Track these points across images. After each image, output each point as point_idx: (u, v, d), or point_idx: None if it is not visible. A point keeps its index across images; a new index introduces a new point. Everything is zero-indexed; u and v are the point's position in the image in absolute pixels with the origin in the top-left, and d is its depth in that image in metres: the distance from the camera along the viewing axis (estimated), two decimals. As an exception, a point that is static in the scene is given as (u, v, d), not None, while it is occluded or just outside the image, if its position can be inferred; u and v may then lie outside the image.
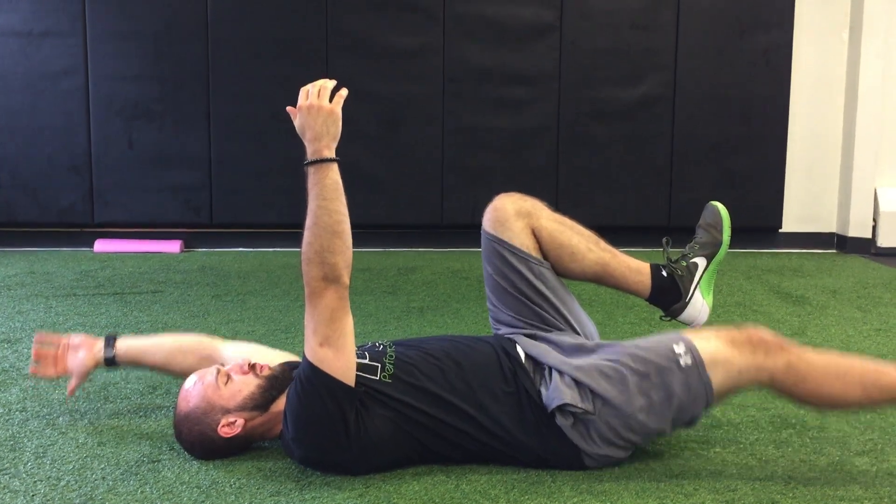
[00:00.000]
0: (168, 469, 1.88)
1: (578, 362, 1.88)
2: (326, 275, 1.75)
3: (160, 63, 5.19)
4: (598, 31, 5.31)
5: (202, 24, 5.17)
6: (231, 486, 1.80)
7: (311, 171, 1.79)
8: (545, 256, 2.09)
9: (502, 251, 2.05)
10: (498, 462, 1.89)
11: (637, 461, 1.94)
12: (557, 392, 1.83)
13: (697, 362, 1.83)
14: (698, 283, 2.13)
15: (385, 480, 1.82)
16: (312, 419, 1.79)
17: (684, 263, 2.16)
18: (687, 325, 2.15)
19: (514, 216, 2.06)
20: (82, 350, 2.18)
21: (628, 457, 1.92)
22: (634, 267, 2.13)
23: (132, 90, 5.19)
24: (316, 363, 1.76)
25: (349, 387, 1.78)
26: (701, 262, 2.15)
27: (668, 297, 2.14)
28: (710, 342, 1.87)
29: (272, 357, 2.15)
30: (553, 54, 5.30)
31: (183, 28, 5.18)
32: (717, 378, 1.83)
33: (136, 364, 2.21)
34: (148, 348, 2.20)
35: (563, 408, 1.83)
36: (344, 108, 1.83)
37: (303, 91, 1.83)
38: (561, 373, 1.87)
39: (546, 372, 1.90)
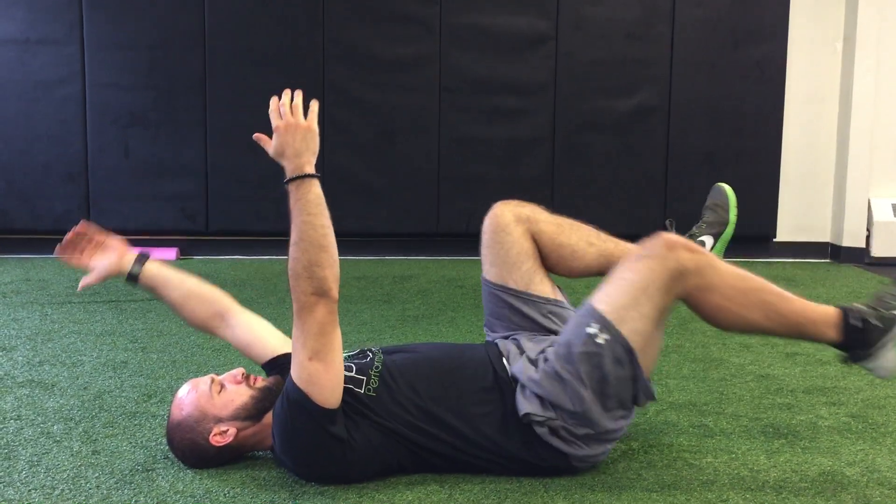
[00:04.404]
0: (162, 478, 1.89)
1: (535, 375, 1.88)
2: (316, 289, 1.76)
3: (157, 72, 5.21)
4: (593, 41, 5.33)
5: (199, 33, 5.19)
6: (225, 495, 1.80)
7: (293, 187, 1.80)
8: (546, 259, 2.11)
9: (508, 299, 2.08)
10: (491, 472, 1.90)
11: (629, 471, 1.95)
12: (522, 404, 1.87)
13: (613, 333, 1.81)
14: None
15: (379, 490, 1.83)
16: (298, 434, 1.80)
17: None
18: None
19: (514, 222, 2.10)
20: (113, 253, 2.11)
21: (616, 456, 1.92)
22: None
23: (128, 99, 5.20)
24: (305, 378, 1.76)
25: (326, 410, 1.77)
26: (708, 240, 2.13)
27: None
28: (625, 279, 1.83)
29: (275, 343, 2.16)
30: (548, 65, 5.33)
31: (180, 37, 5.19)
32: (635, 323, 1.80)
33: (153, 290, 2.14)
34: (171, 281, 2.14)
35: (528, 417, 1.84)
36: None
37: (273, 112, 1.80)
38: (523, 386, 1.89)
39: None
